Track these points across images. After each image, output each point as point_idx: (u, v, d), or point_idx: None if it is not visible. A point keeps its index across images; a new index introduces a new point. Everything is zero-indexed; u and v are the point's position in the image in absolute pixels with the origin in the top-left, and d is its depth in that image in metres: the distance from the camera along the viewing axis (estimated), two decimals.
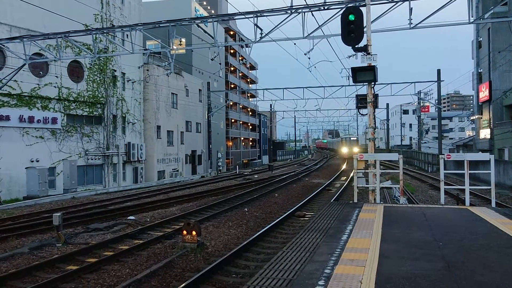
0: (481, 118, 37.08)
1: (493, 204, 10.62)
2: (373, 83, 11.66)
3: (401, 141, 73.53)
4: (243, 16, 17.18)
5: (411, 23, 14.96)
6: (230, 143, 67.17)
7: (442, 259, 5.67)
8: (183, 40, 38.48)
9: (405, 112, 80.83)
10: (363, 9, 12.03)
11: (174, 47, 21.03)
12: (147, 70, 37.91)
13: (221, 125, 61.07)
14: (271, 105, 72.29)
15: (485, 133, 35.54)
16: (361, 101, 12.83)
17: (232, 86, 69.27)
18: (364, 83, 12.43)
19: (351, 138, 69.11)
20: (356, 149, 53.68)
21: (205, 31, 50.94)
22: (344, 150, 64.64)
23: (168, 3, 52.50)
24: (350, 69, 12.16)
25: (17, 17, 24.56)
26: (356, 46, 11.51)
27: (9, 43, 20.94)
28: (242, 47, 73.93)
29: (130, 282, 8.20)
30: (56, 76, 27.41)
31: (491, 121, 34.17)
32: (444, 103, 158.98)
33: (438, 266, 5.38)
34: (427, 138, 69.40)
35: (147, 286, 8.21)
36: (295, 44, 20.66)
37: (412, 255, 5.89)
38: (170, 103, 41.54)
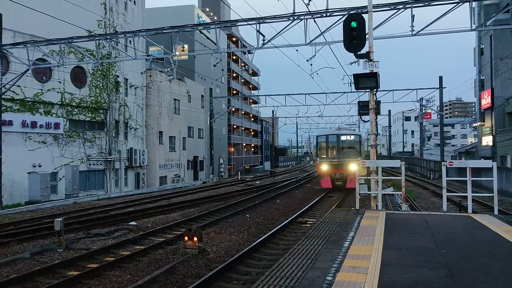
0: (483, 125, 37.02)
1: (496, 212, 10.59)
2: (375, 89, 11.67)
3: (403, 147, 73.48)
4: (246, 23, 17.23)
5: (413, 30, 14.99)
6: (232, 149, 67.18)
7: (445, 267, 5.64)
8: (186, 46, 38.73)
9: (407, 118, 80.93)
10: (365, 16, 12.07)
11: (177, 53, 21.10)
12: (150, 76, 38.04)
13: (223, 131, 61.11)
14: (273, 111, 72.27)
15: (487, 140, 35.45)
16: (363, 107, 12.87)
17: (235, 92, 69.40)
18: (366, 90, 12.44)
19: (342, 138, 26.53)
20: (354, 167, 21.41)
21: (207, 38, 51.16)
22: (325, 168, 25.74)
23: (171, 9, 52.77)
24: (352, 76, 12.19)
25: (20, 23, 24.71)
26: (358, 52, 11.53)
27: (12, 48, 21.05)
28: (244, 53, 74.15)
29: None
30: (59, 82, 27.52)
31: (493, 128, 34.11)
32: (446, 110, 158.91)
33: (441, 273, 5.35)
34: (429, 145, 69.28)
35: None
36: (297, 50, 20.70)
37: (415, 262, 5.86)
38: (173, 109, 41.62)
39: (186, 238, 10.67)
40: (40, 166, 25.99)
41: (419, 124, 56.38)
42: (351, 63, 16.60)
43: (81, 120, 29.94)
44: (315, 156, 29.09)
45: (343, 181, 24.75)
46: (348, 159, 24.27)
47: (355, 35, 11.35)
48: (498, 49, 33.19)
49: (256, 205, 20.09)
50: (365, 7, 13.27)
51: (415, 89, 37.08)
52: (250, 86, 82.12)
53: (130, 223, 15.64)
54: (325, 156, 26.16)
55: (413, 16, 14.91)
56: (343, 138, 26.12)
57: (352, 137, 26.53)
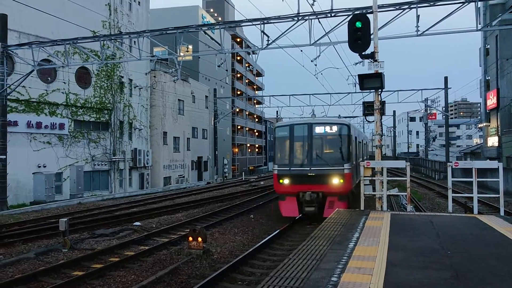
0: (489, 125, 36.80)
1: (502, 213, 10.51)
2: (380, 90, 11.63)
3: (408, 148, 73.13)
4: (250, 23, 17.23)
5: (418, 30, 14.92)
6: (236, 150, 67.16)
7: (451, 268, 5.60)
8: (190, 47, 38.68)
9: (412, 119, 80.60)
10: (370, 16, 12.03)
11: (181, 54, 21.12)
12: (154, 76, 38.10)
13: (227, 132, 61.12)
14: (277, 111, 72.23)
15: (493, 141, 35.25)
16: (368, 108, 12.82)
17: (239, 92, 69.42)
18: (371, 90, 12.40)
19: (316, 130, 15.35)
20: (337, 180, 14.55)
21: (212, 38, 51.20)
22: (287, 182, 15.18)
23: (175, 10, 52.87)
24: (356, 76, 12.15)
25: (26, 24, 24.79)
26: (363, 53, 11.50)
27: (18, 49, 21.15)
28: (248, 54, 74.14)
29: None
30: (64, 82, 27.60)
31: (499, 128, 33.91)
32: (452, 110, 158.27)
33: (446, 275, 5.31)
34: (434, 146, 69.00)
35: None
36: (301, 51, 20.66)
37: (420, 263, 5.81)
38: (177, 110, 41.67)
39: (190, 238, 10.67)
40: (45, 166, 26.07)
41: (424, 125, 56.17)
42: (356, 64, 16.50)
43: (85, 120, 30.02)
44: (273, 161, 16.96)
45: (318, 205, 14.56)
46: (328, 166, 14.62)
47: (359, 35, 11.32)
48: (504, 49, 32.98)
49: (260, 205, 20.08)
50: (370, 7, 13.22)
51: (420, 89, 36.93)
52: (254, 86, 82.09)
53: (134, 224, 15.66)
54: (287, 162, 15.31)
55: (418, 16, 14.84)
56: (318, 130, 15.25)
57: (335, 128, 15.31)
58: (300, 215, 15.11)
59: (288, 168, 15.11)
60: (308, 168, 14.83)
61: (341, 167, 14.51)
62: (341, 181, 14.39)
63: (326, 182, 14.50)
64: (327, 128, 15.34)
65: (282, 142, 15.83)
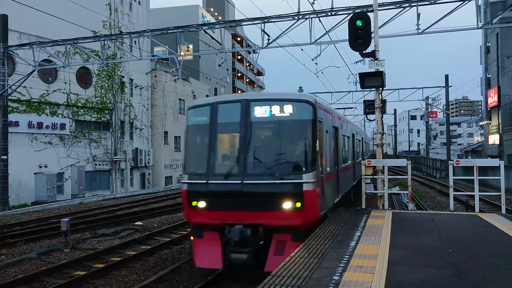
0: (490, 123, 36.77)
1: (503, 211, 10.50)
2: (381, 88, 11.63)
3: (409, 147, 73.11)
4: (251, 22, 17.21)
5: (419, 29, 14.90)
6: None
7: (452, 266, 5.60)
8: (191, 46, 38.69)
9: (413, 117, 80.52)
10: (370, 14, 12.03)
11: (182, 53, 21.11)
12: (155, 76, 38.11)
13: None
14: None
15: (494, 139, 35.22)
16: (369, 106, 12.84)
17: (240, 92, 69.40)
18: (372, 89, 12.40)
19: (255, 111, 8.37)
20: (288, 205, 7.72)
21: (212, 37, 51.18)
22: (202, 205, 8.29)
23: (175, 9, 52.88)
24: (357, 75, 12.15)
25: (26, 24, 24.80)
26: (364, 51, 11.49)
27: (18, 49, 21.16)
28: (249, 53, 74.12)
29: None
30: (65, 82, 27.63)
31: (500, 126, 33.89)
32: (452, 108, 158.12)
33: (448, 273, 5.31)
34: (435, 144, 68.92)
35: None
36: (302, 50, 20.63)
37: (422, 262, 5.81)
38: (178, 109, 41.67)
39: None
40: (46, 166, 26.10)
41: (425, 123, 56.14)
42: (357, 62, 16.49)
43: (86, 120, 30.05)
44: (183, 168, 9.73)
45: (255, 250, 7.96)
46: (274, 178, 8.02)
47: (360, 34, 11.32)
48: (505, 47, 32.95)
49: None
50: (371, 5, 13.21)
51: (420, 87, 36.68)
52: (255, 85, 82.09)
53: (136, 223, 15.68)
54: (204, 169, 8.54)
55: (418, 15, 14.83)
56: (259, 112, 8.50)
57: (288, 108, 8.41)
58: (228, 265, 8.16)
59: (205, 181, 8.39)
60: (240, 182, 8.13)
61: (298, 179, 8.00)
62: (298, 204, 7.87)
63: (271, 207, 8.00)
64: (275, 109, 8.48)
65: (197, 135, 9.33)
